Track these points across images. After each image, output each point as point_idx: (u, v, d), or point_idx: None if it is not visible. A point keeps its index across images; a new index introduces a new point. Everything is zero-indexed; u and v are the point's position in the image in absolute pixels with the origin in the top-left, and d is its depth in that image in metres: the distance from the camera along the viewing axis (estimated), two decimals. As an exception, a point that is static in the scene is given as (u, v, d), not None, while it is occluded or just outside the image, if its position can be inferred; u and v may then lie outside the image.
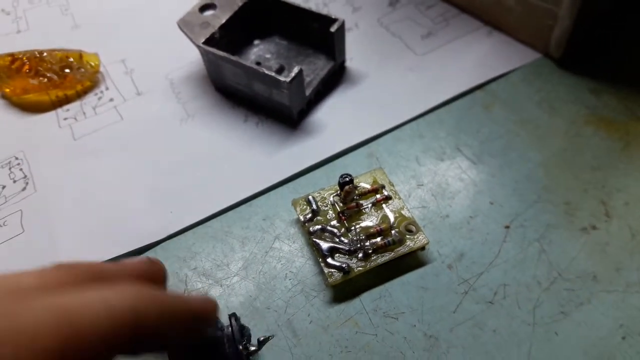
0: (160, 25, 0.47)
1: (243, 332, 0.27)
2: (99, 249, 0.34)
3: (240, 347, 0.26)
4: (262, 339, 0.28)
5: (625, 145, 0.36)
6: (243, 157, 0.38)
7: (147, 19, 0.48)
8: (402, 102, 0.40)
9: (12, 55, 0.42)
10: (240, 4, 0.41)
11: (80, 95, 0.43)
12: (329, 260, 0.31)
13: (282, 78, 0.36)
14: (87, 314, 0.16)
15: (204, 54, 0.39)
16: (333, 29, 0.39)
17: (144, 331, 0.17)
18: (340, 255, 0.31)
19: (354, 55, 0.43)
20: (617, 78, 0.40)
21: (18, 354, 0.14)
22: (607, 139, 0.37)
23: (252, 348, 0.27)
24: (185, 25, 0.40)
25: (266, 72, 0.36)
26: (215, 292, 0.32)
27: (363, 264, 0.31)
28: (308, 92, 0.39)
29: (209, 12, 0.41)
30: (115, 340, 0.16)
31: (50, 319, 0.15)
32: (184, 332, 0.20)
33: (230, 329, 0.27)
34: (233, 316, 0.27)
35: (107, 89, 0.43)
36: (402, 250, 0.31)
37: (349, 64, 0.43)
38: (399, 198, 0.34)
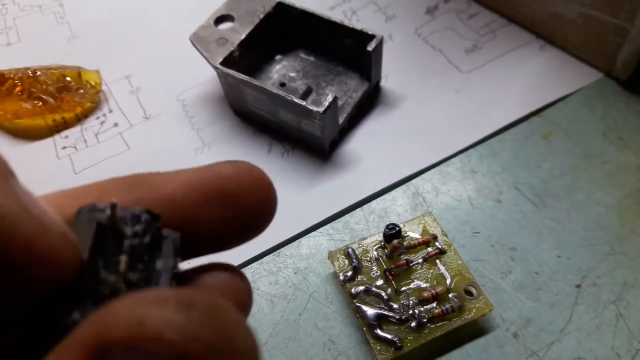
0: (170, 36, 0.41)
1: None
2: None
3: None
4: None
5: None
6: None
7: (155, 28, 0.43)
8: (448, 130, 0.35)
9: (1, 74, 0.37)
10: (261, 16, 0.36)
11: (80, 118, 0.38)
12: (377, 331, 0.27)
13: (314, 108, 0.31)
14: None
15: (222, 76, 0.34)
16: (370, 47, 0.33)
17: None
18: (390, 325, 0.27)
19: (390, 72, 0.38)
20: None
21: None
22: (687, 177, 0.32)
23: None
24: (199, 41, 0.35)
25: (296, 100, 0.31)
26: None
27: (417, 335, 0.27)
28: (341, 119, 0.34)
29: (225, 25, 0.36)
30: None
31: None
32: None
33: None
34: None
35: (110, 111, 0.38)
36: (462, 319, 0.27)
37: (384, 83, 0.38)
38: (455, 252, 0.29)
